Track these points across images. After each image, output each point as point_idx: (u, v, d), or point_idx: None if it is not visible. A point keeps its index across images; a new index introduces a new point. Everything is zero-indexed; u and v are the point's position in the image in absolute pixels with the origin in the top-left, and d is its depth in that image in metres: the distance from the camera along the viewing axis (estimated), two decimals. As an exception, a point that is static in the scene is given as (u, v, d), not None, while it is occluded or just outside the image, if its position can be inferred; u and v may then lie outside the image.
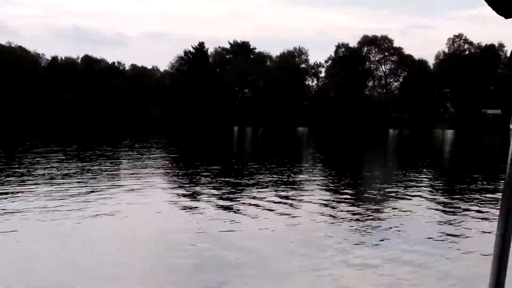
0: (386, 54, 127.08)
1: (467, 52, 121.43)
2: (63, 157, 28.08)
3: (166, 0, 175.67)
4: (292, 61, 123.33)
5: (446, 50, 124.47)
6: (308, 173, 24.97)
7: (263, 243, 10.68)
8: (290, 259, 9.42)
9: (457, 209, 14.82)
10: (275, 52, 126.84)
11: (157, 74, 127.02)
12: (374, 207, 15.13)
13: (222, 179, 21.28)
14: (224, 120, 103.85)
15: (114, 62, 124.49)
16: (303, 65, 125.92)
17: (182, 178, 22.14)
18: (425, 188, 19.77)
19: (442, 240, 11.01)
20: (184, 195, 16.75)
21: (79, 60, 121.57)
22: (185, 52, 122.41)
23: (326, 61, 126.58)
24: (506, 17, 1.53)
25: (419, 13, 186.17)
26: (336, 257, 9.46)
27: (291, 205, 14.99)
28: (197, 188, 18.40)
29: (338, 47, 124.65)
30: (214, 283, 8.06)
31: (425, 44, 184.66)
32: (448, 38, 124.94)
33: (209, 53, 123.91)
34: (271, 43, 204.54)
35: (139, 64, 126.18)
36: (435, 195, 18.32)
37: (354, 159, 35.47)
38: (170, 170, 25.86)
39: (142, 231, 11.67)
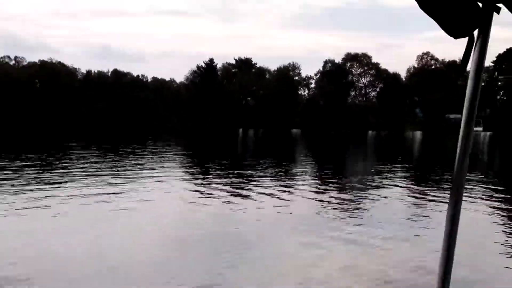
0: (366, 68, 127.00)
1: (433, 67, 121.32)
2: (102, 154, 28.35)
3: (180, 23, 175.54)
4: (287, 74, 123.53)
5: (416, 65, 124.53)
6: (302, 166, 25.19)
7: (267, 220, 10.91)
8: (290, 233, 9.66)
9: (425, 195, 15.06)
10: (273, 67, 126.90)
11: (174, 85, 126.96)
12: (358, 194, 15.37)
13: (230, 171, 21.50)
14: (231, 123, 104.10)
15: (138, 75, 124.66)
16: (296, 78, 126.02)
17: (197, 170, 22.37)
18: (399, 179, 20.01)
19: (414, 220, 11.29)
20: (200, 184, 16.95)
21: (109, 74, 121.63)
22: (198, 67, 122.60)
23: (315, 74, 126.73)
24: (455, 38, 1.56)
25: (393, 35, 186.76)
26: (327, 232, 9.70)
27: (288, 192, 15.15)
28: (210, 177, 18.60)
29: (326, 62, 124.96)
30: (226, 251, 8.25)
31: (398, 60, 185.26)
32: (417, 55, 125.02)
33: (217, 67, 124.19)
34: (269, 59, 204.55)
35: (159, 77, 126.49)
36: (407, 184, 18.58)
37: (340, 155, 35.66)
38: (187, 164, 26.08)
39: (166, 210, 11.88)
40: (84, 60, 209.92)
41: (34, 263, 7.29)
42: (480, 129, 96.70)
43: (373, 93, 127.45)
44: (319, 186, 17.30)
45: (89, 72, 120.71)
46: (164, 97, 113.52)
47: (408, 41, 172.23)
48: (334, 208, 12.43)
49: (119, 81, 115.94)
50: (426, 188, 16.74)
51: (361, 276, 7.02)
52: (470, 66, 1.58)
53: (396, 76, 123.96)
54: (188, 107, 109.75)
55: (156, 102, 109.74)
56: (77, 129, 69.43)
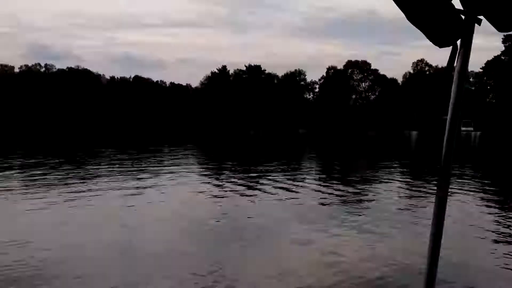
0: (365, 74, 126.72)
1: (427, 72, 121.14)
2: (129, 153, 28.61)
3: (193, 33, 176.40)
4: (294, 79, 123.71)
5: (411, 71, 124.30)
6: (308, 162, 25.27)
7: (278, 210, 11.03)
8: (298, 223, 9.76)
9: (421, 188, 15.12)
10: (280, 73, 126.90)
11: (190, 90, 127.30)
12: (359, 187, 15.45)
13: (242, 167, 21.62)
14: (243, 124, 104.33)
15: (158, 81, 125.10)
16: (302, 83, 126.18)
17: (212, 166, 22.47)
18: (397, 174, 20.04)
19: (410, 211, 11.36)
20: (215, 178, 17.07)
21: (131, 79, 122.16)
22: (212, 73, 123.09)
23: (319, 80, 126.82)
24: (440, 47, 1.58)
25: (390, 43, 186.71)
26: (331, 221, 9.82)
27: (296, 185, 15.24)
28: (228, 173, 18.73)
29: (329, 69, 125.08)
30: (239, 236, 8.38)
31: (395, 66, 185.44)
32: (413, 62, 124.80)
33: (230, 73, 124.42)
34: (277, 66, 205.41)
35: (176, 82, 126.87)
36: (405, 179, 18.61)
37: (342, 153, 35.64)
38: (207, 162, 26.21)
39: (187, 201, 12.02)
40: (107, 67, 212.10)
41: (70, 250, 7.46)
42: (471, 129, 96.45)
43: (373, 97, 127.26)
44: (323, 180, 17.35)
45: (112, 78, 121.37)
46: (182, 100, 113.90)
47: (404, 49, 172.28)
48: (336, 200, 12.52)
49: (140, 86, 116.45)
50: (422, 182, 16.79)
51: (378, 260, 7.12)
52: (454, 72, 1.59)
53: (393, 81, 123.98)
54: (203, 110, 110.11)
55: (175, 105, 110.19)
56: (103, 131, 69.76)
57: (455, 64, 1.57)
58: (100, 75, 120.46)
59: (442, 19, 1.51)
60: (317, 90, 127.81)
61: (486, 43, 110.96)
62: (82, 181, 15.21)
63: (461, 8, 1.51)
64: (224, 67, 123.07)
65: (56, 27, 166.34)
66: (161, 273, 6.30)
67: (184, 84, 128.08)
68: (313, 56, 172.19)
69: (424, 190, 14.59)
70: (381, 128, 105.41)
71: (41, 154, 25.38)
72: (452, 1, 1.50)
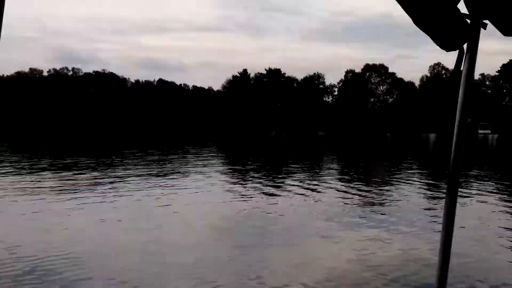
0: (383, 77, 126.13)
1: (444, 76, 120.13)
2: (158, 155, 28.97)
3: (214, 38, 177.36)
4: (313, 83, 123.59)
5: (428, 74, 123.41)
6: (328, 164, 25.37)
7: (311, 210, 11.23)
8: (321, 221, 9.94)
9: (442, 189, 15.15)
10: (300, 76, 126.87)
11: (212, 93, 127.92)
12: (378, 189, 15.53)
13: (265, 167, 21.84)
14: (264, 126, 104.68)
15: (181, 84, 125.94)
16: (321, 86, 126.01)
17: (238, 167, 22.69)
18: (418, 175, 20.05)
19: (433, 211, 11.46)
20: (238, 177, 17.30)
21: (155, 83, 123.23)
22: (233, 76, 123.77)
23: (338, 83, 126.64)
24: (446, 51, 1.57)
25: (407, 47, 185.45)
26: (351, 223, 9.99)
27: (321, 186, 15.36)
28: (251, 173, 18.93)
29: (347, 72, 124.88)
30: (261, 231, 8.65)
31: (412, 70, 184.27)
32: (430, 65, 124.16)
33: (250, 77, 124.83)
34: (297, 69, 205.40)
35: (198, 85, 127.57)
36: (424, 180, 18.63)
37: (362, 155, 35.59)
38: (230, 162, 26.45)
39: (211, 201, 12.25)
40: (131, 71, 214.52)
41: (101, 243, 7.83)
42: (489, 131, 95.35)
43: (390, 100, 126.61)
44: (344, 182, 17.45)
45: (137, 81, 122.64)
46: (204, 103, 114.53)
47: (421, 53, 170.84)
48: (357, 202, 12.66)
49: (164, 89, 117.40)
50: (442, 183, 16.82)
51: (405, 257, 7.30)
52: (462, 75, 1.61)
53: (410, 84, 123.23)
54: (225, 112, 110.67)
55: (197, 108, 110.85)
56: (130, 133, 70.54)
57: (461, 68, 1.58)
58: (125, 78, 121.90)
59: (448, 23, 1.52)
60: (336, 93, 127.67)
61: (502, 46, 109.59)
62: (120, 181, 15.60)
63: (467, 12, 1.52)
64: (245, 70, 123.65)
65: (81, 32, 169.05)
66: (194, 275, 6.56)
67: (206, 87, 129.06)
68: (330, 60, 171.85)
69: (445, 191, 14.59)
70: (398, 131, 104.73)
71: (74, 156, 25.93)
72: (457, 6, 1.50)
